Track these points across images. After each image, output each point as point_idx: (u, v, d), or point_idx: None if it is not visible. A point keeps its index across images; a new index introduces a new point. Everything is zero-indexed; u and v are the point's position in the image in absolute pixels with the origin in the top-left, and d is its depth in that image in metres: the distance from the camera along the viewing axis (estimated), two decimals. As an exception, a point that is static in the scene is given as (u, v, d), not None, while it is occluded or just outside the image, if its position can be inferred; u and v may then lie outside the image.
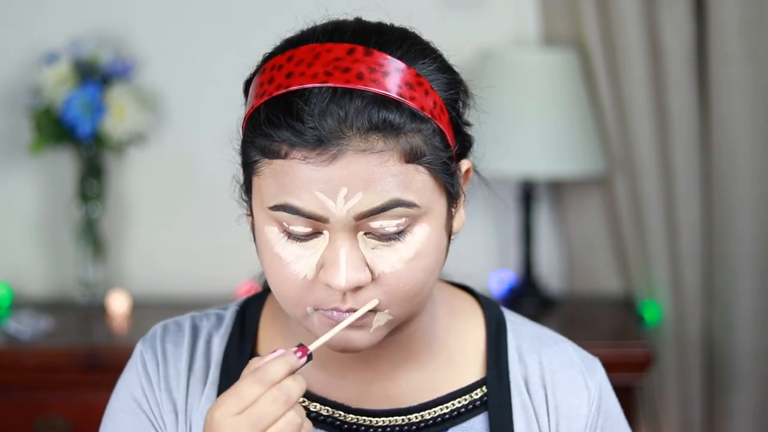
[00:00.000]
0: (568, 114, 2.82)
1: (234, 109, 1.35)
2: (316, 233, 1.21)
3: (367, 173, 1.19)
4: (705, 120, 2.88)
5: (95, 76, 2.87)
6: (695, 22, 2.85)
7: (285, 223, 1.22)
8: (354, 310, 1.22)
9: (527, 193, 2.92)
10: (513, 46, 2.99)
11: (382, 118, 1.19)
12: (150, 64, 3.00)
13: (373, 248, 1.22)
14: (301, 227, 1.21)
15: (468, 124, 1.30)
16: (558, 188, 3.02)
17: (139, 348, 1.38)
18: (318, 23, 1.27)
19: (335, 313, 1.23)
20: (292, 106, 1.19)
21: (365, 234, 1.21)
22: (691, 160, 2.88)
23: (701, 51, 2.86)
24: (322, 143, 1.18)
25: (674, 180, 2.88)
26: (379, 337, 1.26)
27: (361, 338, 1.24)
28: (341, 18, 1.28)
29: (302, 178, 1.19)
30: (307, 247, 1.22)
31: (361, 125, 1.18)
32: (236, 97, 1.34)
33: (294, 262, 1.22)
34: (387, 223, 1.20)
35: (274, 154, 1.20)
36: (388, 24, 1.28)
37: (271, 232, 1.23)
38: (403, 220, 1.21)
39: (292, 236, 1.22)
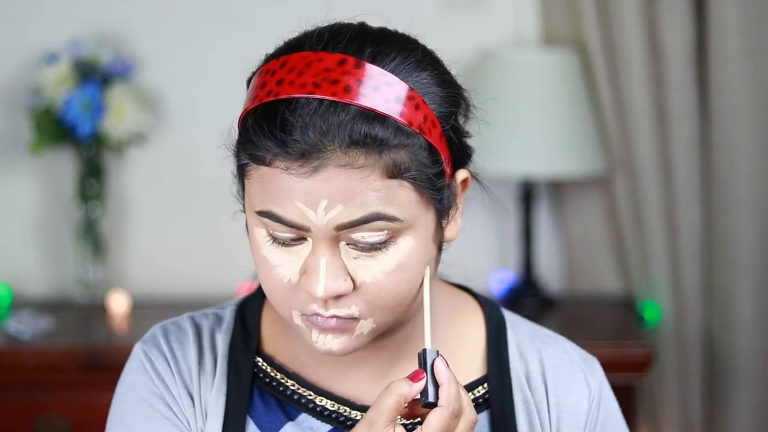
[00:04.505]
0: (568, 114, 2.82)
1: (234, 110, 1.35)
2: (301, 239, 1.23)
3: (347, 187, 1.19)
4: (705, 120, 2.88)
5: (95, 76, 2.87)
6: (695, 22, 2.85)
7: (270, 228, 1.23)
8: (336, 317, 1.23)
9: (527, 193, 2.91)
10: (513, 46, 2.98)
11: (365, 133, 1.19)
12: (150, 64, 3.00)
13: (355, 258, 1.22)
14: (285, 233, 1.22)
15: (467, 136, 1.29)
16: (558, 188, 3.02)
17: (141, 349, 1.37)
18: (320, 25, 1.26)
19: (319, 318, 1.24)
20: (278, 115, 1.20)
21: (347, 244, 1.22)
22: (691, 160, 2.88)
23: (701, 51, 2.86)
24: (304, 156, 1.18)
25: (674, 180, 2.87)
26: (362, 343, 1.27)
27: (342, 344, 1.25)
28: (345, 21, 1.27)
29: (284, 187, 1.20)
30: (291, 252, 1.23)
31: (342, 140, 1.18)
32: (236, 97, 1.34)
33: (279, 266, 1.23)
34: (368, 235, 1.21)
35: (260, 161, 1.21)
36: (392, 31, 1.28)
37: (260, 234, 1.25)
38: (385, 232, 1.21)
39: (277, 241, 1.23)
